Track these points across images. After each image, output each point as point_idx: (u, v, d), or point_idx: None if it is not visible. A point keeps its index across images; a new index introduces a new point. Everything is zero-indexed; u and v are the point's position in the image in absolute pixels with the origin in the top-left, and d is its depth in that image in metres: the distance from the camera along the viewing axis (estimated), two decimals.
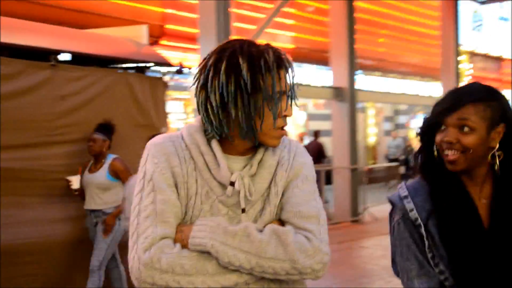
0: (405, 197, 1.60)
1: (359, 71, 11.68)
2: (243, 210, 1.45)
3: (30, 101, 4.73)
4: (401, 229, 1.59)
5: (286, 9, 11.91)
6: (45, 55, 4.90)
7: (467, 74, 17.15)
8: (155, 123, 5.51)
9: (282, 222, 1.46)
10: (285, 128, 1.48)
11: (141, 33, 6.05)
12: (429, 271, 1.54)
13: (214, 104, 1.38)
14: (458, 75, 13.43)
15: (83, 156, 4.82)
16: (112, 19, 9.88)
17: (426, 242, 1.53)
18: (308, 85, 11.62)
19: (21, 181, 4.65)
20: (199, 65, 1.45)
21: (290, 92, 1.45)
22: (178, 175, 1.43)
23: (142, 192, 1.42)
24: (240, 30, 10.37)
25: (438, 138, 1.55)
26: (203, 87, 1.40)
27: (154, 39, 10.89)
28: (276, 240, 1.38)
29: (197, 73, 1.43)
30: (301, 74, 13.58)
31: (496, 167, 1.56)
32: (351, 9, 10.68)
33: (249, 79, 1.36)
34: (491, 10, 19.96)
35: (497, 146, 1.55)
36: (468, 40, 17.96)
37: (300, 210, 1.44)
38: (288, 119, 1.47)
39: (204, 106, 1.40)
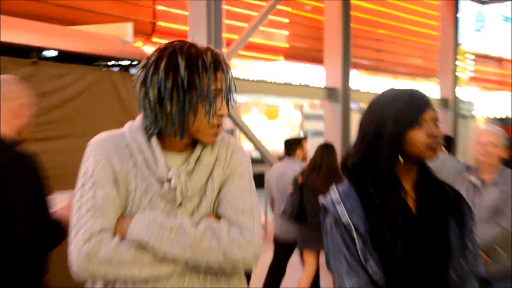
0: (337, 201, 1.69)
1: (354, 71, 11.82)
2: (180, 205, 1.56)
3: None
4: (333, 233, 1.68)
5: (280, 7, 12.06)
6: (27, 52, 4.99)
7: (466, 75, 17.23)
8: None
9: (219, 216, 1.58)
10: (220, 126, 1.60)
11: (126, 30, 6.17)
12: (358, 271, 1.63)
13: (152, 99, 1.51)
14: (455, 76, 13.51)
15: (64, 154, 4.87)
16: (101, 15, 10.03)
17: (358, 245, 1.63)
18: (300, 85, 11.78)
19: None
20: (142, 63, 1.57)
21: (226, 93, 1.58)
22: (118, 172, 1.54)
23: (83, 188, 1.53)
24: (232, 27, 10.52)
25: (420, 134, 1.65)
26: (143, 83, 1.53)
27: (145, 36, 11.08)
28: (210, 234, 1.50)
29: (139, 71, 1.56)
30: (295, 73, 13.79)
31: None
32: (347, 7, 10.79)
33: (186, 77, 1.49)
34: (494, 10, 20.06)
35: None
36: (470, 40, 18.13)
37: (235, 205, 1.56)
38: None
39: (143, 101, 1.53)
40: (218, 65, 1.55)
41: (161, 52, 1.54)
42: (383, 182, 1.68)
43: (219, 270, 1.54)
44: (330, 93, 10.69)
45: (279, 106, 16.03)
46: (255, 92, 11.67)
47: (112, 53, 5.74)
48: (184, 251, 1.47)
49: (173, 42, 1.58)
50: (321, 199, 1.76)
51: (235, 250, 1.50)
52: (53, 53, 5.30)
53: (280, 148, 14.17)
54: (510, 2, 18.01)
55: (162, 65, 1.50)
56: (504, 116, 17.77)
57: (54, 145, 4.92)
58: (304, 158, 6.14)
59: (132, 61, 5.83)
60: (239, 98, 12.62)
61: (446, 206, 1.72)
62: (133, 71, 5.91)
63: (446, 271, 1.65)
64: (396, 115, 1.66)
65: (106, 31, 6.23)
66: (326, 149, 5.48)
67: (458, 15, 13.32)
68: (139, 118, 1.61)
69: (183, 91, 1.50)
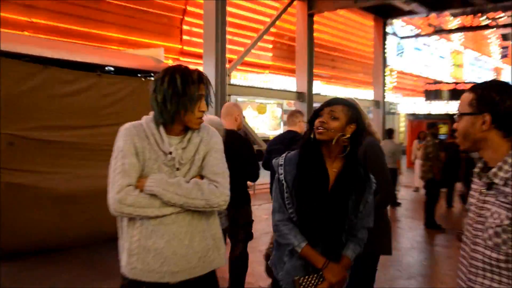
0: (281, 165, 1.72)
1: (316, 81, 11.77)
2: (177, 169, 1.55)
3: (83, 98, 4.90)
4: (276, 184, 1.73)
5: (267, 37, 11.96)
6: (94, 68, 5.09)
7: (390, 86, 17.17)
8: None
9: (202, 177, 1.58)
10: (202, 118, 1.60)
11: (159, 53, 6.17)
12: (284, 210, 1.70)
13: (158, 101, 1.52)
14: (384, 86, 13.45)
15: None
16: (148, 43, 10.01)
17: (286, 195, 1.69)
18: (279, 90, 11.74)
19: (81, 151, 4.81)
20: (154, 78, 1.58)
21: (207, 98, 1.59)
22: (138, 147, 1.53)
23: (116, 158, 1.53)
24: (232, 50, 10.46)
25: (317, 120, 1.68)
26: (154, 91, 1.54)
27: (176, 57, 11.01)
28: (197, 187, 1.51)
29: (152, 84, 1.56)
30: (277, 82, 13.73)
31: (347, 149, 1.69)
32: (311, 37, 10.70)
33: (181, 88, 1.52)
34: (409, 43, 19.94)
35: (348, 136, 1.67)
36: (394, 62, 18.06)
37: (212, 169, 1.57)
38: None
39: (153, 101, 1.54)
40: (201, 80, 1.56)
41: (165, 71, 1.55)
42: (311, 156, 1.68)
43: (202, 211, 1.55)
44: (299, 96, 10.66)
45: (266, 104, 15.90)
46: (249, 94, 11.67)
47: (149, 68, 5.78)
48: (180, 199, 1.49)
49: (173, 65, 1.58)
50: (273, 160, 1.75)
51: (212, 198, 1.52)
52: (111, 69, 5.29)
53: (266, 133, 14.19)
54: (419, 38, 17.96)
55: (166, 79, 1.52)
56: (416, 112, 17.72)
57: (112, 129, 4.82)
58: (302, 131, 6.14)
59: None
60: (238, 98, 12.56)
61: (353, 185, 1.68)
62: None
63: (343, 223, 1.68)
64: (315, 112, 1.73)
65: (146, 53, 6.22)
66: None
67: (385, 45, 13.26)
68: (151, 113, 1.59)
69: (178, 97, 1.52)
